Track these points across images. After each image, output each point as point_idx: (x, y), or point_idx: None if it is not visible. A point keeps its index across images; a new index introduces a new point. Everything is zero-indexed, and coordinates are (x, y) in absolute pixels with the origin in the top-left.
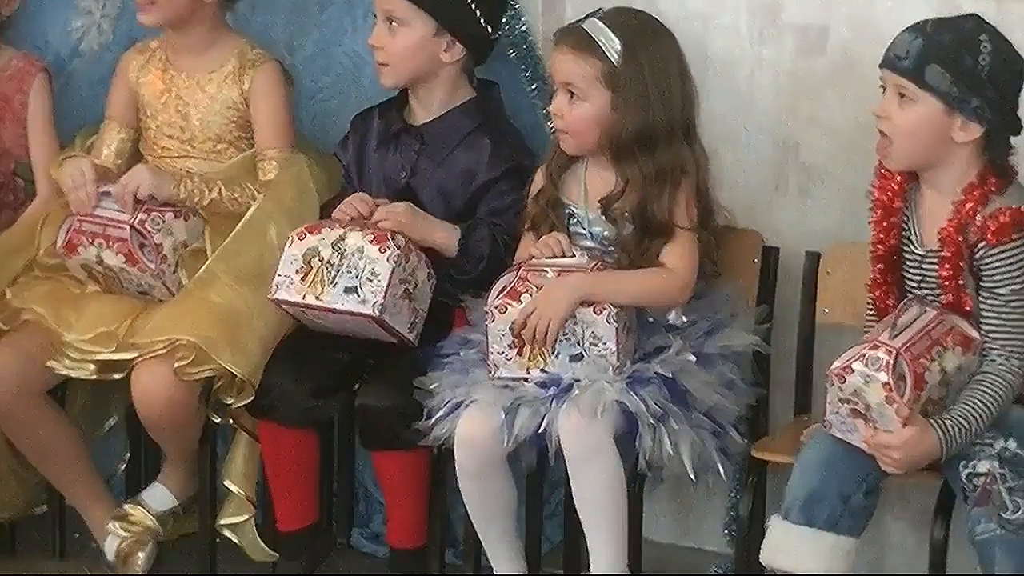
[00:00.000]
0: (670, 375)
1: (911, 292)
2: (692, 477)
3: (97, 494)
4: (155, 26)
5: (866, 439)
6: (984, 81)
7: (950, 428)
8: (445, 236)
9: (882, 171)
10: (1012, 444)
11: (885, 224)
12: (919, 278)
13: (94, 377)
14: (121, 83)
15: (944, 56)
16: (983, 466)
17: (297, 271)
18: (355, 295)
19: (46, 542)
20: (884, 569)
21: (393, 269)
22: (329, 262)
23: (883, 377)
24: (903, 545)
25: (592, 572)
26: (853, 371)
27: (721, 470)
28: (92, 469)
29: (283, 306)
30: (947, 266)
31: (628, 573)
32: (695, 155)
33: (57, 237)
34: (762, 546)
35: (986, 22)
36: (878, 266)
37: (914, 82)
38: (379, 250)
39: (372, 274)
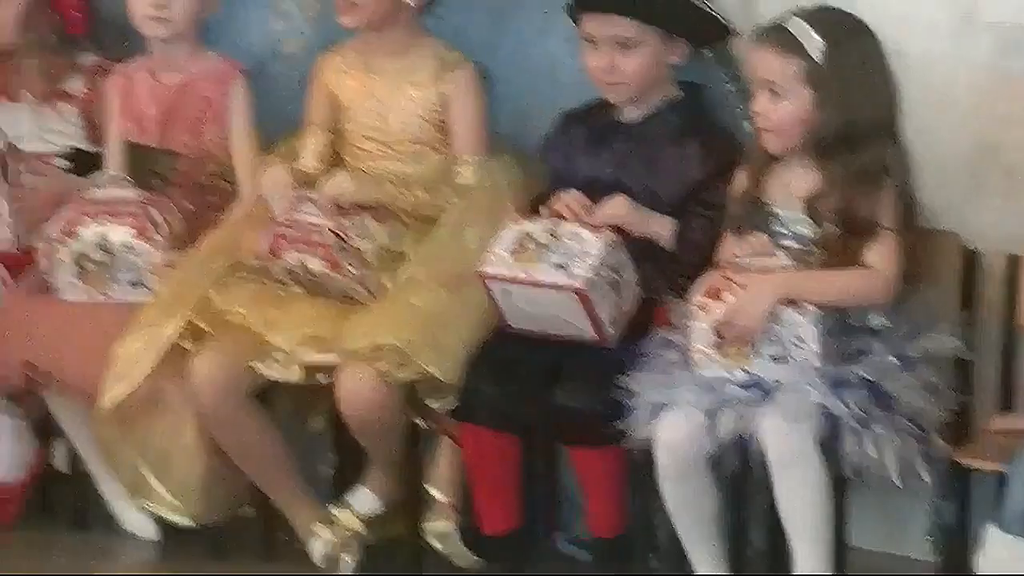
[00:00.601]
0: (873, 378)
1: None
2: (896, 482)
3: (302, 497)
4: (356, 28)
5: None
6: None
7: None
8: (662, 225)
9: None
10: None
11: None
12: None
13: (300, 380)
14: (319, 87)
15: None
16: None
17: (509, 250)
18: (563, 270)
19: (253, 544)
20: None
21: (605, 251)
22: (542, 243)
23: None
24: None
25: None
26: None
27: (925, 475)
28: (296, 472)
29: (489, 282)
30: None
31: None
32: (898, 154)
33: (260, 241)
34: (979, 557)
35: None
36: None
37: None
38: (593, 235)
39: (583, 253)
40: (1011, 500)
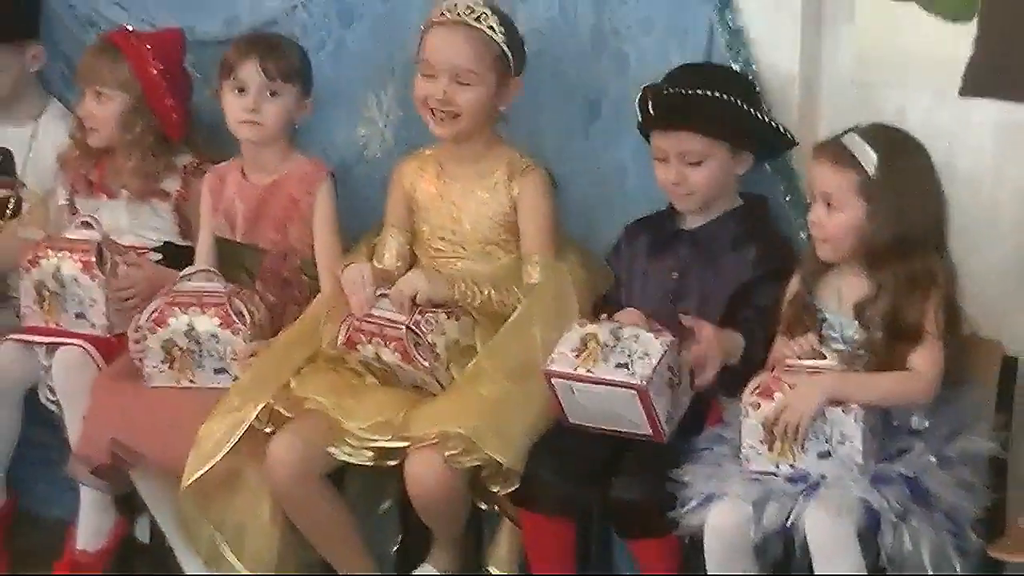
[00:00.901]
0: (912, 475)
1: None
2: (930, 573)
3: (370, 573)
4: (451, 138)
5: None
6: None
7: None
8: (736, 345)
9: None
10: None
11: None
12: None
13: (371, 463)
14: (397, 190)
15: None
16: None
17: (573, 350)
18: (625, 369)
19: None
20: None
21: (665, 351)
22: (605, 344)
23: None
24: None
25: None
26: None
27: (957, 567)
28: (365, 549)
29: (553, 380)
30: None
31: None
32: (945, 265)
33: (338, 334)
34: None
35: None
36: None
37: None
38: (654, 337)
39: (644, 354)
40: None
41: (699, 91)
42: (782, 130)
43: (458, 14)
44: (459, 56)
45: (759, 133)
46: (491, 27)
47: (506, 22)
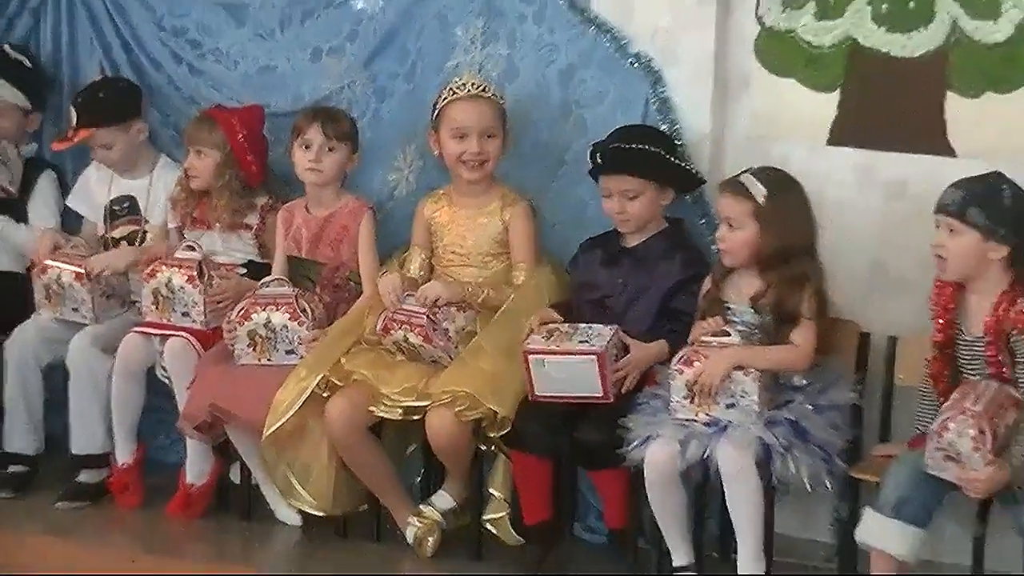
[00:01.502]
0: (795, 419)
1: (962, 368)
2: (809, 490)
3: (401, 498)
4: (478, 181)
5: (958, 476)
6: (1008, 216)
7: (1015, 463)
8: (662, 352)
9: (938, 282)
10: None
11: (943, 320)
12: (969, 356)
13: (401, 418)
14: (420, 220)
15: (980, 201)
16: None
17: (545, 337)
18: (586, 343)
19: (367, 530)
20: (941, 550)
21: (614, 333)
22: (566, 332)
23: (972, 433)
24: (953, 536)
25: (739, 556)
26: (948, 430)
27: (829, 485)
28: (398, 481)
29: (529, 356)
30: (991, 349)
31: (764, 558)
32: (816, 267)
33: (376, 323)
34: (858, 529)
35: (1004, 175)
36: (938, 349)
37: (960, 220)
38: (604, 326)
39: (598, 335)
40: (882, 494)
41: (634, 145)
42: (693, 171)
43: (472, 89)
44: (484, 118)
45: (677, 175)
46: (494, 94)
47: (499, 90)
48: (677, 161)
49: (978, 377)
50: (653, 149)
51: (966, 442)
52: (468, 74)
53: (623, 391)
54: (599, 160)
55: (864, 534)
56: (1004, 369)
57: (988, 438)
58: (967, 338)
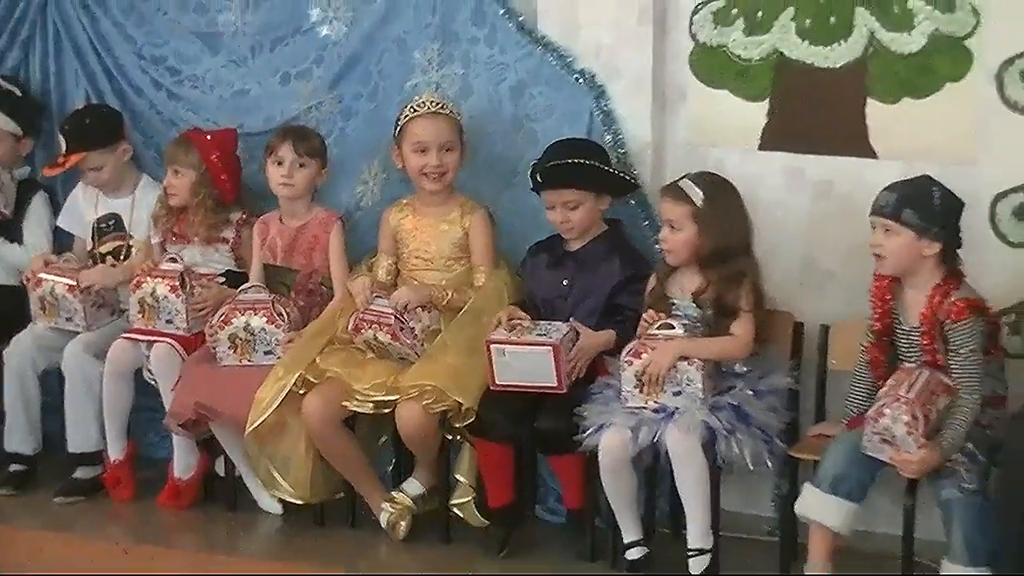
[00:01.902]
0: (737, 404)
1: (901, 355)
2: (751, 468)
3: (375, 486)
4: (440, 191)
5: (892, 457)
6: (939, 215)
7: (945, 445)
8: (610, 339)
9: (877, 276)
10: (969, 445)
11: (880, 311)
12: (907, 344)
13: (372, 411)
14: (386, 228)
15: (913, 203)
16: (958, 457)
17: (508, 331)
18: (544, 336)
19: (344, 516)
20: (875, 521)
21: (569, 330)
22: (527, 327)
23: (906, 419)
24: (885, 508)
25: (689, 531)
26: (884, 415)
27: (769, 464)
28: (372, 470)
29: (491, 346)
30: (927, 338)
31: (712, 533)
32: (752, 263)
33: (348, 323)
34: (797, 503)
35: (932, 178)
36: (875, 337)
37: (896, 221)
38: (561, 324)
39: (556, 329)
40: (821, 470)
41: (569, 160)
42: (627, 178)
43: (431, 107)
44: (443, 133)
45: (612, 182)
46: (451, 111)
47: (455, 106)
48: (610, 170)
49: (915, 363)
50: (588, 162)
51: (900, 427)
52: (427, 93)
53: (574, 376)
54: (539, 179)
55: (803, 508)
56: (938, 356)
57: (920, 423)
58: (904, 328)
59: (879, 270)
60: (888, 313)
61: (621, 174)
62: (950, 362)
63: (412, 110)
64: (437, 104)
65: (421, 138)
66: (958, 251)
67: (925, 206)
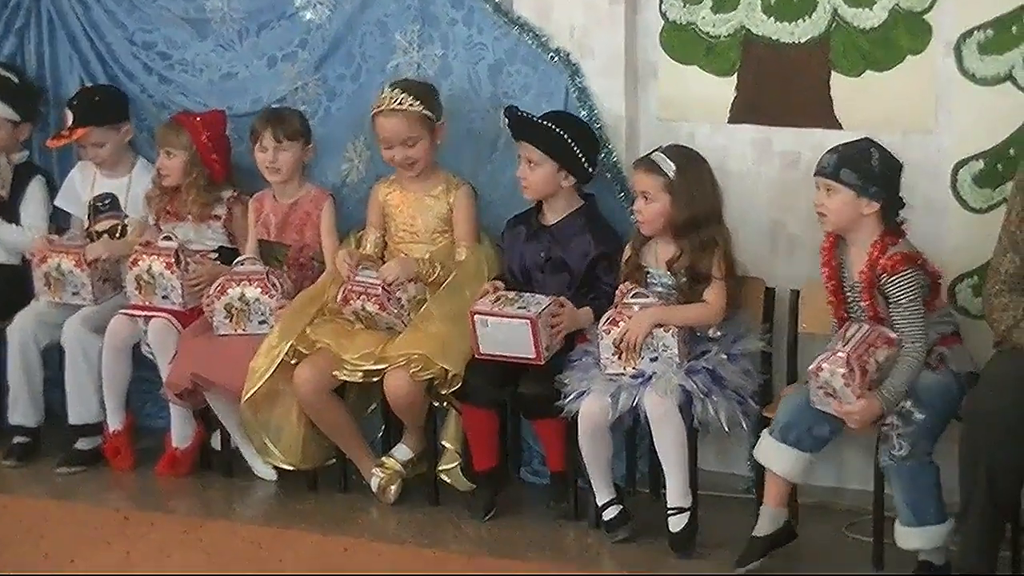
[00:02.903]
0: (712, 367)
1: (849, 311)
2: (727, 429)
3: (365, 452)
4: (415, 175)
5: (835, 409)
6: (877, 176)
7: (886, 395)
8: (588, 318)
9: (826, 235)
10: (909, 403)
11: (828, 269)
12: (853, 300)
13: (361, 380)
14: (375, 202)
15: (851, 163)
16: (888, 419)
17: (492, 302)
18: (524, 310)
19: (336, 482)
20: (845, 478)
21: (549, 304)
22: (511, 298)
23: (842, 371)
24: (857, 465)
25: (668, 491)
26: (823, 369)
27: (744, 425)
28: (362, 437)
29: (475, 316)
30: (866, 293)
31: (690, 492)
32: (723, 232)
33: (337, 294)
34: (754, 449)
35: (873, 140)
36: (831, 294)
37: (835, 180)
38: (544, 297)
39: (536, 303)
40: (774, 420)
41: (541, 120)
42: (585, 165)
43: (388, 104)
44: (401, 131)
45: (573, 161)
46: (411, 105)
47: (421, 92)
48: (571, 144)
49: (861, 318)
50: (556, 130)
51: (838, 379)
52: (387, 90)
53: (554, 343)
54: (508, 122)
55: (758, 454)
56: (879, 310)
57: (857, 374)
58: (849, 284)
59: (823, 227)
60: (835, 271)
61: (581, 156)
62: (892, 315)
63: (375, 107)
64: (395, 101)
65: (382, 135)
66: (900, 211)
67: (863, 166)
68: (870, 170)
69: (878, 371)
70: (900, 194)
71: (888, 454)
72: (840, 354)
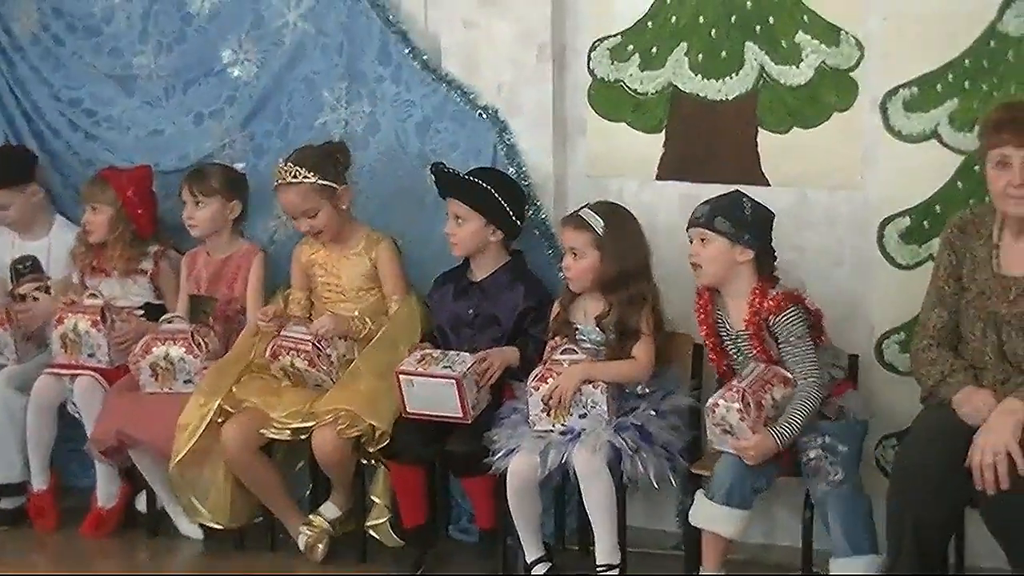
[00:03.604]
0: (640, 423)
1: (731, 361)
2: (655, 486)
3: (293, 510)
4: (323, 242)
5: (732, 445)
6: (750, 223)
7: (780, 431)
8: (514, 356)
9: (699, 290)
10: (827, 439)
11: (706, 324)
12: (735, 349)
13: (289, 438)
14: (297, 264)
15: (724, 212)
16: (812, 453)
17: (416, 361)
18: (449, 369)
19: (263, 540)
20: (774, 535)
21: (474, 362)
22: (436, 358)
23: (737, 406)
24: (786, 522)
25: (597, 548)
26: (719, 405)
27: (673, 481)
28: (289, 494)
29: (400, 376)
30: (755, 339)
31: (619, 549)
32: (652, 287)
33: (266, 350)
34: (691, 513)
35: (744, 193)
36: (710, 351)
37: (709, 229)
38: (468, 355)
39: (461, 362)
40: (716, 481)
41: (467, 176)
42: (513, 218)
43: (282, 178)
44: (296, 203)
45: (502, 215)
46: (305, 177)
47: (317, 161)
48: (498, 197)
49: (745, 366)
50: (483, 184)
51: (733, 415)
52: (281, 164)
53: (488, 381)
54: (434, 179)
55: (698, 519)
56: (769, 352)
57: (752, 409)
58: (731, 333)
59: (699, 280)
60: (712, 327)
61: (508, 209)
62: (783, 355)
63: (276, 183)
64: (289, 174)
65: (283, 208)
66: (774, 262)
67: (736, 215)
68: (743, 218)
69: (775, 408)
70: (772, 243)
71: (825, 482)
72: (734, 391)
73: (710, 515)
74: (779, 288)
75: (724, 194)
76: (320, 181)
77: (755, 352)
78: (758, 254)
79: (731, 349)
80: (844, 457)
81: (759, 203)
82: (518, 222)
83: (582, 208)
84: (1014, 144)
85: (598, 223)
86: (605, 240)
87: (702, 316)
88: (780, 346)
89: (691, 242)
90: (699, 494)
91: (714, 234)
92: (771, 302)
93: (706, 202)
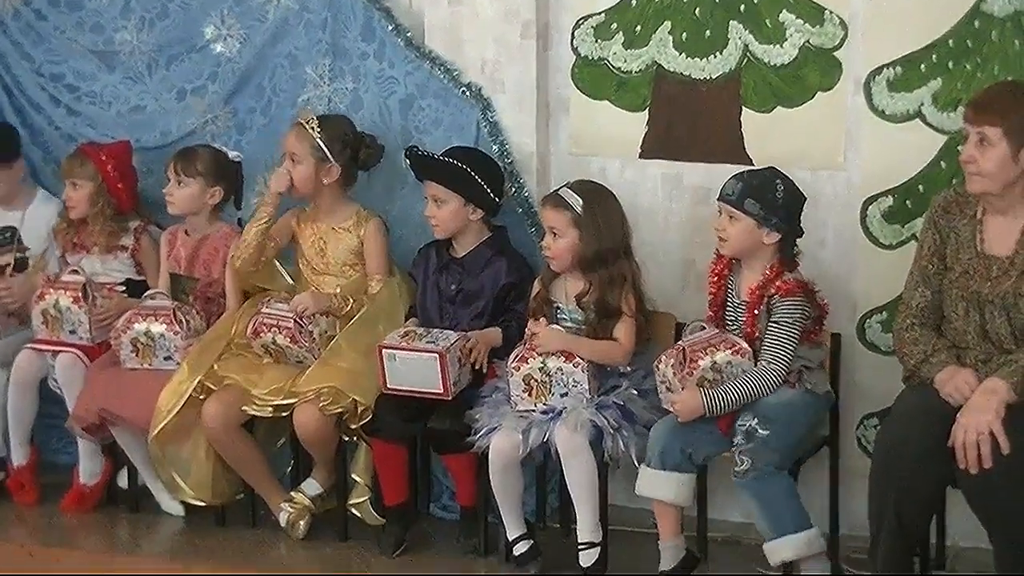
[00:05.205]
0: (622, 402)
1: (729, 323)
2: (636, 464)
3: (274, 487)
4: (293, 196)
5: (664, 398)
6: (780, 207)
7: (712, 396)
8: (497, 337)
9: (717, 253)
10: (754, 421)
11: (716, 285)
12: (733, 319)
13: (271, 415)
14: (285, 222)
15: (755, 193)
16: (738, 439)
17: (400, 336)
18: (432, 344)
19: (245, 517)
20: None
21: (457, 339)
22: (420, 334)
23: (673, 361)
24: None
25: (579, 526)
26: (661, 361)
27: None
28: (271, 472)
29: (383, 351)
30: (751, 311)
31: (600, 527)
32: (632, 267)
33: (247, 327)
34: (636, 485)
35: (779, 170)
36: (711, 308)
37: (738, 209)
38: (453, 333)
39: (445, 338)
40: (650, 447)
41: (444, 158)
42: (491, 196)
43: (301, 118)
44: (291, 142)
45: (480, 194)
46: (313, 128)
47: (330, 128)
48: (476, 177)
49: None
50: (460, 165)
51: (669, 369)
52: (308, 109)
53: (474, 364)
54: (408, 162)
55: (642, 488)
56: (755, 330)
57: (686, 365)
58: (735, 302)
59: (721, 250)
60: (723, 287)
61: (486, 187)
62: (766, 332)
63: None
64: (306, 119)
65: (282, 146)
66: (796, 241)
67: (767, 197)
68: (774, 201)
69: (714, 371)
70: (800, 225)
71: (733, 472)
72: (676, 348)
73: (650, 482)
74: (795, 275)
75: (757, 171)
76: (318, 139)
77: (744, 321)
78: (783, 237)
79: (730, 319)
80: (761, 442)
81: (792, 184)
82: (497, 199)
83: (561, 187)
84: (969, 120)
85: (577, 202)
86: (584, 219)
87: (715, 280)
88: (769, 324)
89: (720, 213)
90: (641, 466)
91: (742, 214)
92: (784, 284)
93: (739, 177)
